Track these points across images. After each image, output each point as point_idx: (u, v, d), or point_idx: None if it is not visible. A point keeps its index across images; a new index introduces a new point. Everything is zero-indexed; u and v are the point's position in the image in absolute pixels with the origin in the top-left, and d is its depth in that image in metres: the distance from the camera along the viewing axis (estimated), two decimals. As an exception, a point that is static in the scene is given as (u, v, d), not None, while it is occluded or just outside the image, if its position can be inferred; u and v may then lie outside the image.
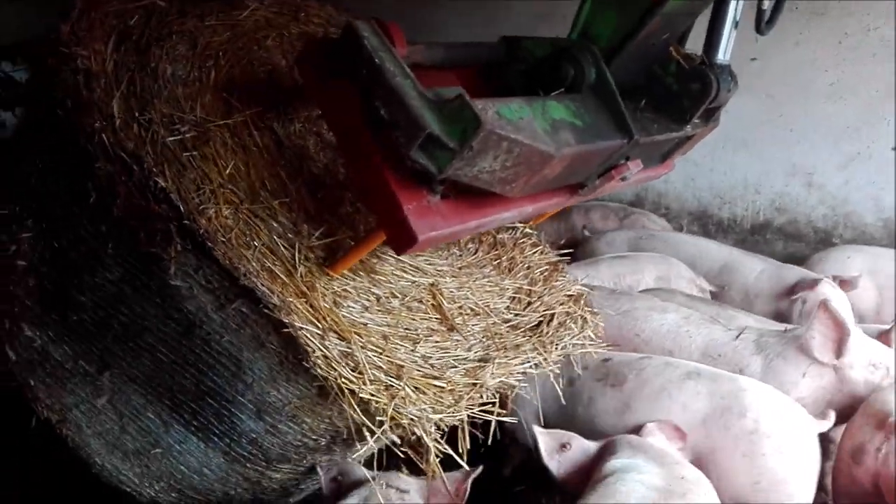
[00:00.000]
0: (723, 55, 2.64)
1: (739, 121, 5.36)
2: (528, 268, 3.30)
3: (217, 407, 2.71)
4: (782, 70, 5.23)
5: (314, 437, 2.72)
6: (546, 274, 3.32)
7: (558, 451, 2.77)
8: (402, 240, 2.12)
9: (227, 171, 2.51)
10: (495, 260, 3.22)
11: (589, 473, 2.69)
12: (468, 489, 2.51)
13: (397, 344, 2.56)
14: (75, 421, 2.92)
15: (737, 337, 3.13)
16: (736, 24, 2.66)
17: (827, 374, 2.89)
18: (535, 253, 3.38)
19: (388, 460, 2.70)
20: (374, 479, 2.51)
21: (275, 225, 2.54)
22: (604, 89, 2.41)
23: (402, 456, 2.53)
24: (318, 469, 2.67)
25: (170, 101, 2.56)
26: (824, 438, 2.79)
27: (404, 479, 2.54)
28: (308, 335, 2.35)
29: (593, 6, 2.44)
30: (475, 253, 3.18)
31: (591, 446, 2.77)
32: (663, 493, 2.36)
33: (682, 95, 2.63)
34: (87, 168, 2.42)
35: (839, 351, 2.80)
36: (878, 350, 2.86)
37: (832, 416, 2.79)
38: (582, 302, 3.27)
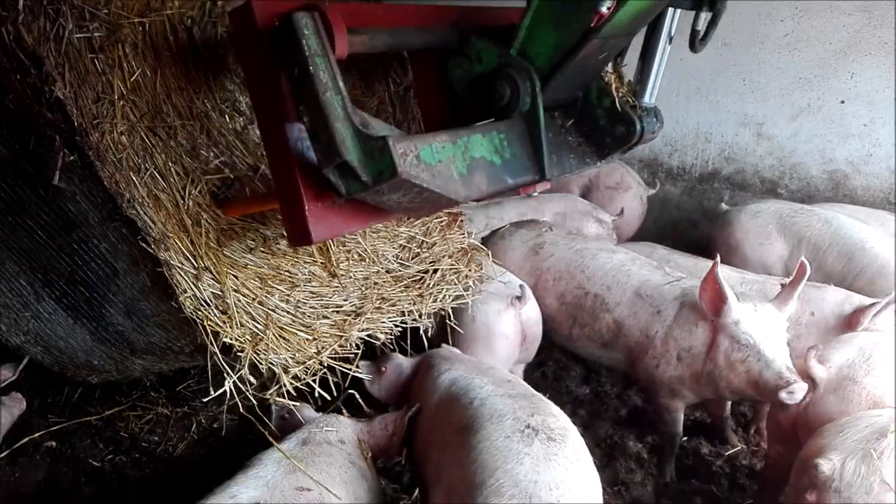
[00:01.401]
0: (649, 98, 2.69)
1: (694, 69, 5.37)
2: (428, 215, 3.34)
3: (88, 296, 2.76)
4: (739, 19, 5.13)
5: (179, 344, 2.82)
6: (444, 224, 3.37)
7: (377, 374, 2.94)
8: (298, 237, 2.15)
9: (132, 80, 2.40)
10: (398, 206, 3.23)
11: (405, 387, 2.90)
12: (404, 426, 2.59)
13: (273, 287, 2.62)
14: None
15: (668, 283, 3.28)
16: (670, 40, 2.67)
17: (711, 329, 3.02)
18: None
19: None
20: (316, 420, 2.61)
21: (172, 145, 2.48)
22: (532, 120, 2.43)
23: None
24: (273, 406, 2.71)
25: (86, -5, 2.36)
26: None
27: (343, 420, 2.63)
28: (181, 274, 2.37)
29: (532, 25, 2.40)
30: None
31: (406, 363, 2.94)
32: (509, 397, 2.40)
33: (607, 133, 2.69)
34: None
35: (717, 311, 2.94)
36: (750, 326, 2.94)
37: None
38: (470, 256, 3.36)
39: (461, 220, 3.46)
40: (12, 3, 2.18)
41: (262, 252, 2.65)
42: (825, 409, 2.66)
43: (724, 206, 4.67)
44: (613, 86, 2.65)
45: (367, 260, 2.99)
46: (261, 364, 2.49)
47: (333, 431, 2.53)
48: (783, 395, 2.69)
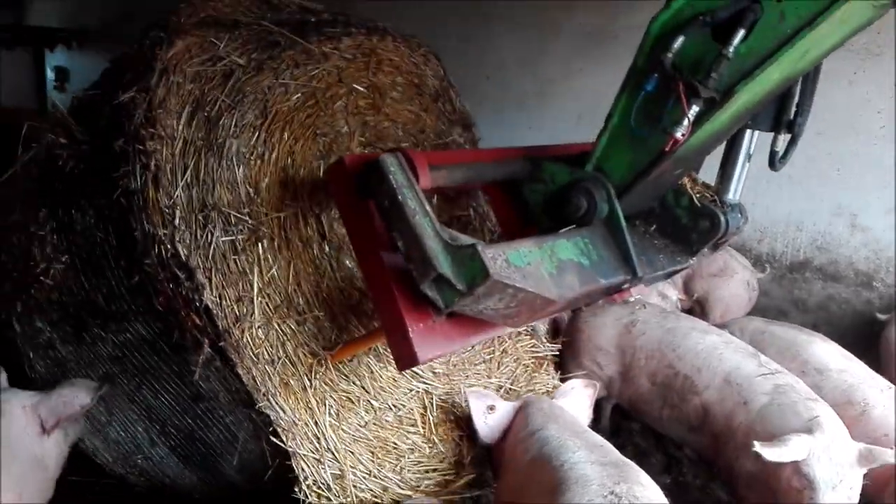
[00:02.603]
0: (734, 195, 2.76)
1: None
2: (516, 360, 3.47)
3: (205, 452, 2.93)
4: (833, 108, 4.97)
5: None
6: (531, 369, 3.50)
7: (485, 412, 2.89)
8: (405, 359, 2.20)
9: (268, 275, 2.56)
10: (489, 354, 3.37)
11: (506, 433, 2.85)
12: None
13: (383, 460, 2.77)
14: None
15: (761, 375, 3.18)
16: (749, 157, 2.75)
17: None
18: (529, 345, 3.54)
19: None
20: None
21: (302, 332, 2.64)
22: (613, 224, 2.53)
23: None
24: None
25: (230, 185, 2.53)
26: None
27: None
28: (305, 461, 2.52)
29: (608, 145, 2.50)
30: (471, 346, 3.32)
31: (509, 409, 2.90)
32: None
33: (691, 230, 2.76)
34: (138, 260, 2.43)
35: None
36: None
37: None
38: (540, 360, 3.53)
39: (547, 364, 3.59)
40: (169, 219, 2.36)
41: (374, 425, 2.80)
42: None
43: (880, 315, 4.60)
44: (688, 185, 2.73)
45: (462, 422, 3.11)
46: None
47: None
48: None
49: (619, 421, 4.23)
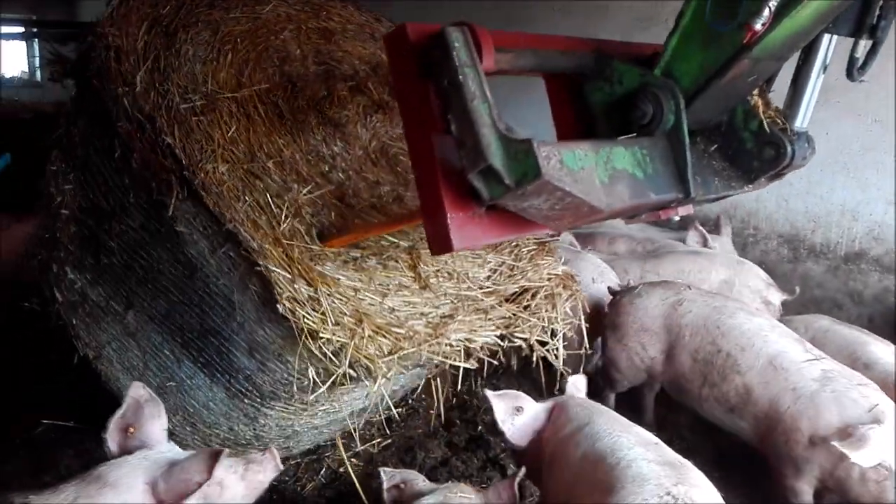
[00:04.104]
0: (802, 122, 2.62)
1: (842, 144, 5.24)
2: (517, 245, 3.52)
3: (217, 345, 3.09)
4: (891, 94, 4.93)
5: (299, 376, 3.04)
6: (533, 252, 3.53)
7: (511, 414, 2.85)
8: (440, 245, 2.17)
9: (230, 135, 2.91)
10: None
11: (540, 434, 2.82)
12: (516, 495, 2.55)
13: (366, 296, 2.86)
14: (108, 357, 3.37)
15: (808, 360, 3.20)
16: (825, 69, 2.59)
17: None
18: (530, 231, 3.59)
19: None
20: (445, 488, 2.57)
21: (269, 182, 2.91)
22: (676, 138, 2.39)
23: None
24: (382, 475, 2.73)
25: (188, 75, 2.99)
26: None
27: (468, 489, 2.58)
28: (279, 280, 2.68)
29: (680, 43, 2.37)
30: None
31: (540, 410, 2.87)
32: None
33: (755, 156, 2.62)
34: (113, 128, 2.87)
35: None
36: None
37: None
38: (567, 282, 3.46)
39: (550, 247, 3.61)
40: (130, 80, 2.81)
41: (353, 269, 2.93)
42: None
43: None
44: (760, 108, 2.60)
45: (458, 279, 3.17)
46: (360, 358, 2.68)
47: (469, 499, 2.50)
48: None
49: (665, 414, 4.18)
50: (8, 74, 15.50)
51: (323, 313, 2.69)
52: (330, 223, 2.99)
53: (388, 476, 2.71)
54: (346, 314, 2.74)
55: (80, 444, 3.61)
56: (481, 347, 2.96)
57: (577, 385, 3.01)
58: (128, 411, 2.26)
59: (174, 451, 2.28)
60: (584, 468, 2.46)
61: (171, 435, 3.38)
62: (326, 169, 3.14)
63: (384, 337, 2.76)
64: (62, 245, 3.28)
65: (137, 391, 2.30)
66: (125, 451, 2.23)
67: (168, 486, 2.21)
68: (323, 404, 3.21)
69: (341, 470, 3.43)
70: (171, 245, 2.96)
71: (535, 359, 3.19)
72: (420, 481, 2.72)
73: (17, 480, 3.33)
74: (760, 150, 2.61)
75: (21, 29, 15.29)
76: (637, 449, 2.40)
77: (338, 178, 3.13)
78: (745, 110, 2.62)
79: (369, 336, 2.72)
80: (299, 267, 2.74)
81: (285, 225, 2.84)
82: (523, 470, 2.62)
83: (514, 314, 3.09)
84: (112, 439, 2.25)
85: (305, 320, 2.68)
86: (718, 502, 2.22)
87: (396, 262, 3.05)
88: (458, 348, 2.91)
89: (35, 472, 3.41)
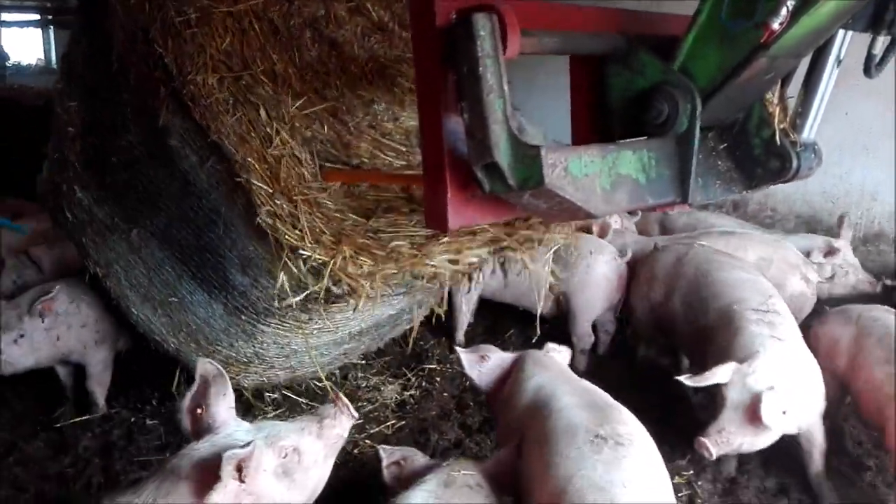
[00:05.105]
0: (809, 133, 2.58)
1: (862, 125, 5.16)
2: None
3: (213, 261, 3.14)
4: None
5: (290, 292, 3.07)
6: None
7: (478, 362, 3.02)
8: (436, 222, 2.18)
9: (223, 47, 2.91)
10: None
11: (504, 380, 2.97)
12: (516, 460, 2.57)
13: (349, 217, 2.86)
14: (116, 275, 3.46)
15: (756, 308, 3.46)
16: (839, 62, 2.53)
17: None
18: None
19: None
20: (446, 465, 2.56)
21: (261, 94, 2.91)
22: (686, 142, 2.35)
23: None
24: (381, 452, 2.72)
25: (181, -1, 2.99)
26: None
27: (470, 465, 2.57)
28: (260, 192, 2.69)
29: (696, 42, 2.32)
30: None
31: (506, 358, 3.03)
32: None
33: (761, 164, 2.59)
34: (109, 42, 2.91)
35: None
36: None
37: None
38: None
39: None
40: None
41: (341, 191, 2.91)
42: None
43: None
44: (776, 118, 2.54)
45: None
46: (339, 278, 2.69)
47: (472, 475, 2.48)
48: None
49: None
50: (24, 62, 15.58)
51: (301, 230, 2.70)
52: (329, 147, 2.98)
53: (388, 453, 2.71)
54: (325, 233, 2.75)
55: (99, 425, 3.74)
56: (468, 265, 2.94)
57: (555, 349, 3.09)
58: (197, 391, 2.25)
59: (242, 429, 2.23)
60: (525, 418, 2.65)
61: (178, 352, 3.53)
62: (320, 85, 3.12)
63: (366, 257, 2.76)
64: (70, 164, 3.36)
65: (205, 367, 2.27)
66: (197, 431, 2.24)
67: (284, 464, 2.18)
68: (317, 322, 3.24)
69: (355, 452, 3.45)
70: (167, 160, 3.00)
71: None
72: (419, 458, 2.72)
73: (36, 464, 3.46)
74: (767, 160, 2.57)
75: (37, 16, 15.20)
76: (567, 398, 2.58)
77: (332, 94, 3.12)
78: (762, 117, 2.56)
79: (350, 256, 2.72)
80: (282, 183, 2.75)
81: (277, 141, 2.84)
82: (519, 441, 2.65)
83: (505, 234, 3.05)
84: (185, 420, 2.26)
85: (285, 236, 2.69)
86: (643, 434, 2.42)
87: (388, 191, 3.04)
88: (443, 269, 2.89)
89: (55, 455, 3.53)
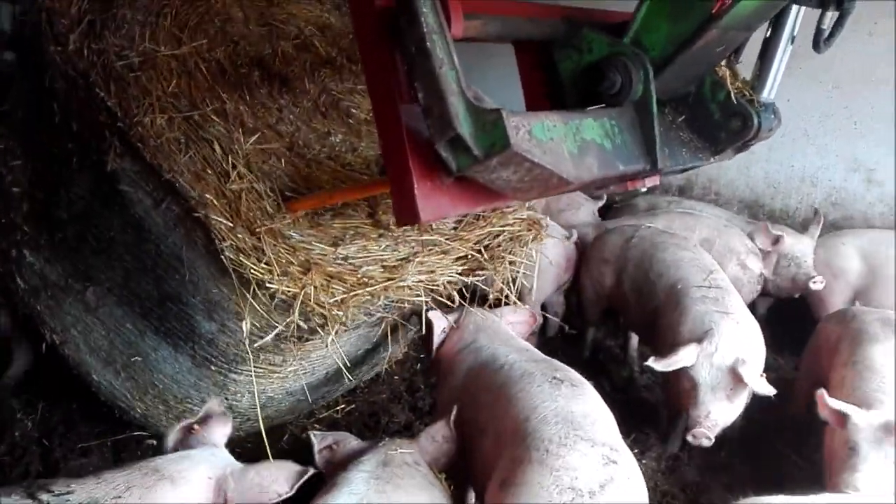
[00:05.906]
0: (769, 93, 2.63)
1: (802, 110, 5.26)
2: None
3: (176, 310, 3.00)
4: (852, 61, 4.95)
5: (259, 333, 2.94)
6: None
7: (445, 331, 3.14)
8: (406, 216, 2.13)
9: (170, 89, 2.84)
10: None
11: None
12: (453, 432, 2.62)
13: (315, 245, 2.76)
14: (74, 340, 3.29)
15: (699, 286, 3.61)
16: (792, 40, 2.59)
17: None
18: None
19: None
20: (383, 444, 2.55)
21: (213, 132, 2.83)
22: (644, 109, 2.39)
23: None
24: (312, 438, 2.66)
25: (125, 37, 2.92)
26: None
27: (404, 443, 2.58)
28: (220, 227, 2.59)
29: (648, 14, 2.36)
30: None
31: (450, 319, 3.16)
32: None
33: (722, 127, 2.64)
34: (50, 91, 2.81)
35: None
36: None
37: None
38: (533, 224, 3.36)
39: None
40: (64, 41, 2.76)
41: (304, 221, 2.83)
42: None
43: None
44: (728, 80, 2.59)
45: (419, 227, 3.06)
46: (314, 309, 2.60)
47: (409, 453, 2.49)
48: None
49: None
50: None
51: (268, 262, 2.60)
52: (288, 181, 2.90)
53: (319, 438, 2.65)
54: (293, 263, 2.65)
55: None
56: (444, 286, 2.87)
57: (501, 313, 3.25)
58: (201, 418, 2.40)
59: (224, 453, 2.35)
60: (469, 379, 2.82)
61: (146, 417, 3.35)
62: (273, 121, 3.05)
63: (337, 285, 2.67)
64: (17, 227, 3.22)
65: (214, 406, 2.46)
66: (182, 448, 2.27)
67: (240, 486, 2.22)
68: (291, 364, 3.11)
69: (304, 436, 3.32)
70: (119, 208, 2.89)
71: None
72: (352, 440, 2.66)
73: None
74: (727, 121, 2.63)
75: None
76: (513, 355, 2.80)
77: (286, 129, 3.05)
78: (713, 81, 2.62)
79: (321, 285, 2.62)
80: (242, 216, 2.65)
81: (234, 176, 2.75)
82: (455, 410, 2.65)
83: (477, 251, 2.99)
84: (174, 438, 2.35)
85: (251, 271, 2.59)
86: (586, 383, 2.63)
87: (354, 210, 2.96)
88: (418, 291, 2.81)
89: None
